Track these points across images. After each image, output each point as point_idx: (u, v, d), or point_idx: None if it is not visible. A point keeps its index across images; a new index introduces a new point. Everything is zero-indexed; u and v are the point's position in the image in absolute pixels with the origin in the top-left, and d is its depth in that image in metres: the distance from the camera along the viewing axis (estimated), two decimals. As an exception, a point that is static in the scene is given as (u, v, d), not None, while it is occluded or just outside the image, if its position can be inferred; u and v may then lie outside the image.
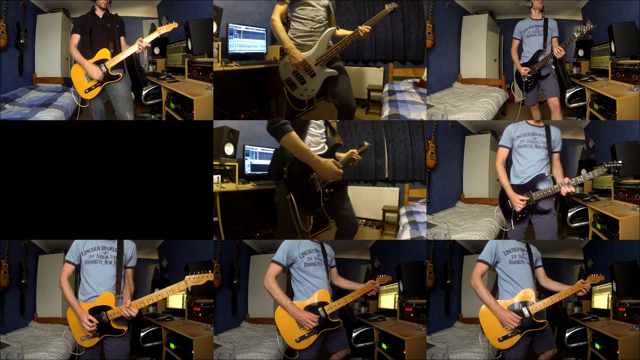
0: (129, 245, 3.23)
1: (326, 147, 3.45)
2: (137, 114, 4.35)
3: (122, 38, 3.98)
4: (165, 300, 4.45)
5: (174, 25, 3.95)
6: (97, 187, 3.79)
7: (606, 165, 3.37)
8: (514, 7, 4.74)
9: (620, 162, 3.40)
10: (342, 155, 3.45)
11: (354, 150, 3.44)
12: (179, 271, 4.23)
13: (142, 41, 3.85)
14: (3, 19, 4.33)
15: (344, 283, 3.54)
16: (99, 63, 3.86)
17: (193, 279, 3.14)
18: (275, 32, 3.72)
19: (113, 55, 3.88)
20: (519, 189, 3.53)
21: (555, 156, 3.54)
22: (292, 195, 3.25)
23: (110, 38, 3.90)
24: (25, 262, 4.37)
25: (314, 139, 3.37)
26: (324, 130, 3.46)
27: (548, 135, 3.50)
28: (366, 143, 3.52)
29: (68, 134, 3.84)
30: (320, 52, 3.67)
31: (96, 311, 3.07)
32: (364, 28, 3.55)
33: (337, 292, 3.54)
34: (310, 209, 3.36)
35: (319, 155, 3.29)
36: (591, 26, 3.84)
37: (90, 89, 3.89)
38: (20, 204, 3.79)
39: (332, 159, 3.30)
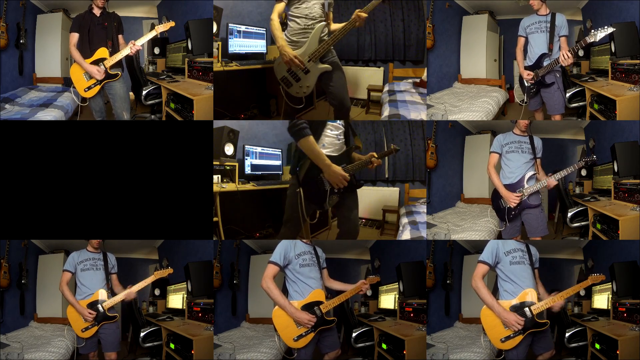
0: (111, 256, 3.88)
1: (344, 148, 3.49)
2: (137, 114, 4.35)
3: (120, 36, 4.01)
4: (165, 300, 4.46)
5: (171, 23, 3.98)
6: (97, 187, 3.80)
7: (584, 159, 3.78)
8: (514, 7, 4.74)
9: (594, 156, 3.82)
10: (358, 157, 3.50)
11: (374, 154, 3.48)
12: (179, 271, 4.23)
13: (134, 44, 3.90)
14: (3, 19, 4.33)
15: (334, 284, 3.57)
16: (97, 62, 3.89)
17: (159, 273, 3.85)
18: (272, 31, 3.76)
19: (111, 53, 3.91)
20: (509, 187, 3.79)
21: (538, 161, 3.84)
22: (301, 189, 3.40)
23: (108, 36, 3.93)
24: (25, 262, 4.37)
25: (329, 140, 3.44)
26: (341, 131, 3.51)
27: (532, 143, 3.82)
28: (393, 146, 3.58)
29: (68, 134, 3.85)
30: (312, 48, 3.67)
31: (92, 305, 3.71)
32: (361, 13, 3.54)
33: (334, 292, 3.55)
34: (317, 204, 3.46)
35: (335, 156, 3.40)
36: (609, 29, 3.60)
37: (89, 88, 3.92)
38: (20, 204, 3.80)
39: (343, 165, 3.39)
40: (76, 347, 3.78)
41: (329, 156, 3.37)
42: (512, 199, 3.76)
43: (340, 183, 3.37)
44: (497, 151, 3.89)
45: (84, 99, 3.99)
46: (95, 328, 3.69)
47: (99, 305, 3.69)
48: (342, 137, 3.51)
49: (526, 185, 3.74)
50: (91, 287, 3.72)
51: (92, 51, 3.91)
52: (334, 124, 3.48)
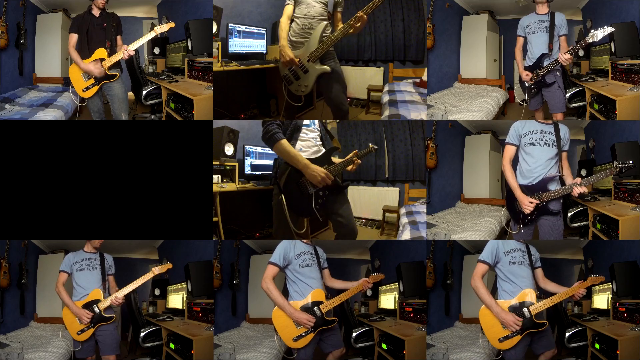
0: (108, 256, 3.81)
1: (322, 150, 3.45)
2: (137, 114, 4.35)
3: (118, 37, 4.01)
4: (165, 300, 4.46)
5: (171, 24, 3.97)
6: (97, 187, 3.80)
7: (619, 165, 3.24)
8: (514, 7, 4.74)
9: (631, 162, 3.24)
10: (338, 160, 3.44)
11: (356, 152, 3.41)
12: (179, 271, 4.23)
13: (126, 49, 3.89)
14: (3, 19, 4.33)
15: (336, 284, 3.56)
16: (95, 62, 3.90)
17: (158, 269, 3.73)
18: (278, 32, 3.79)
19: (110, 54, 3.91)
20: (527, 189, 3.41)
21: (564, 155, 3.42)
22: (283, 197, 3.32)
23: (106, 37, 3.93)
24: (25, 262, 4.37)
25: (305, 143, 3.40)
26: (317, 134, 3.46)
27: (557, 133, 3.39)
28: (371, 145, 3.41)
29: (68, 134, 3.85)
30: (311, 48, 3.68)
31: (88, 305, 3.62)
32: (360, 14, 3.52)
33: (336, 292, 3.55)
34: (303, 211, 3.39)
35: (313, 158, 3.34)
36: (608, 29, 3.47)
37: (87, 88, 3.92)
38: (20, 204, 3.80)
39: (325, 166, 3.32)
40: (73, 351, 3.71)
41: (307, 159, 3.30)
42: (526, 205, 3.35)
43: (322, 182, 3.27)
44: (514, 142, 3.46)
45: (82, 99, 3.99)
46: (92, 330, 3.61)
47: (95, 306, 3.62)
48: (318, 140, 3.46)
49: (549, 189, 3.35)
50: (86, 288, 3.66)
51: (90, 52, 3.91)
52: (310, 127, 3.44)
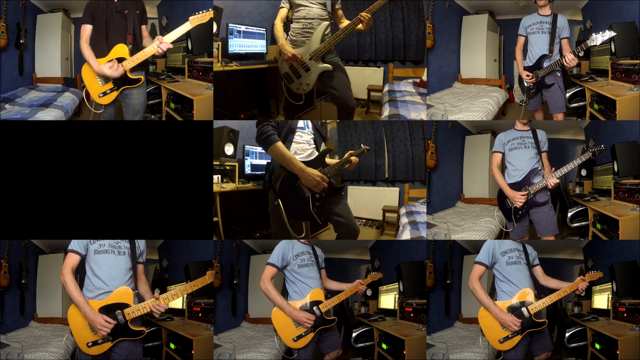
0: (140, 241, 2.96)
1: (315, 153, 3.44)
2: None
3: (143, 27, 3.34)
4: (165, 300, 4.45)
5: (210, 14, 3.26)
6: (97, 187, 3.79)
7: (590, 150, 3.60)
8: (514, 7, 4.74)
9: (602, 145, 3.62)
10: (332, 161, 3.43)
11: (352, 152, 3.40)
12: (179, 271, 4.24)
13: (162, 41, 3.15)
14: (3, 19, 4.32)
15: (332, 285, 3.58)
16: (113, 63, 3.27)
17: (208, 275, 2.99)
18: (274, 33, 3.81)
19: (132, 50, 3.22)
20: (515, 186, 3.73)
21: (544, 155, 3.77)
22: (280, 202, 3.29)
23: (128, 28, 3.19)
24: (25, 262, 4.37)
25: (300, 146, 3.39)
26: (311, 137, 3.46)
27: (535, 136, 3.75)
28: (363, 146, 3.43)
29: (68, 134, 3.84)
30: (313, 46, 3.69)
31: (109, 310, 2.63)
32: (365, 14, 3.53)
33: (334, 293, 3.55)
34: (302, 216, 3.36)
35: (308, 161, 3.33)
36: (610, 33, 3.62)
37: (105, 93, 3.32)
38: (20, 204, 3.79)
39: (319, 168, 3.31)
40: None
41: (303, 162, 3.29)
42: (517, 199, 3.69)
43: (318, 185, 3.25)
44: (500, 150, 3.85)
45: (98, 106, 3.31)
46: (109, 345, 2.61)
47: (119, 313, 2.59)
48: (312, 142, 3.46)
49: (533, 182, 3.68)
50: (108, 282, 2.64)
51: (109, 47, 3.21)
52: (304, 130, 3.43)
